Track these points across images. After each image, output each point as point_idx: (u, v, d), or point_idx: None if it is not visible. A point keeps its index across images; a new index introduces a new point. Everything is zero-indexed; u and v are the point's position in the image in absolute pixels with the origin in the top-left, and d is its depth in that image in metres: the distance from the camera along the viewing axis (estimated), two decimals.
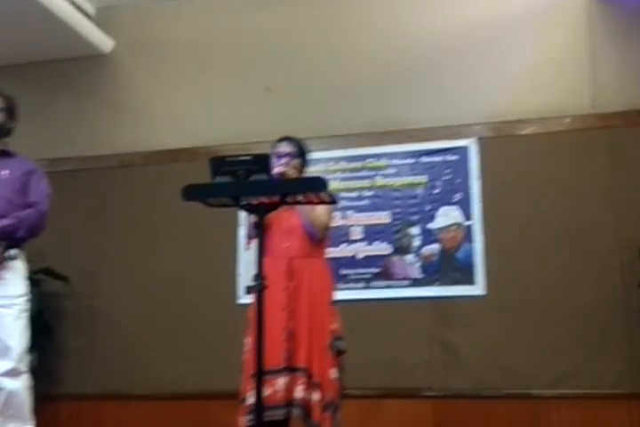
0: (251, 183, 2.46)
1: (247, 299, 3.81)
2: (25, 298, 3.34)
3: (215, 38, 4.96)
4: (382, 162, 4.50)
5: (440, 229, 4.32)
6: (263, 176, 2.46)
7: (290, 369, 3.02)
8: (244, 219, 4.44)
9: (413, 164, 4.45)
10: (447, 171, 4.38)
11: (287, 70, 4.79)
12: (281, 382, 2.99)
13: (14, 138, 3.54)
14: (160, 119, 4.94)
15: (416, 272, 4.29)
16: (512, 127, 4.35)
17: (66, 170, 4.80)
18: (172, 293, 4.57)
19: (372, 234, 4.40)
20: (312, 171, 3.44)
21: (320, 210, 3.17)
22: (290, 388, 3.00)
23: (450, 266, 4.25)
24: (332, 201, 2.74)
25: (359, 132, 4.55)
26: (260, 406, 2.42)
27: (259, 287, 2.43)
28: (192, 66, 4.98)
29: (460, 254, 4.25)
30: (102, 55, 5.13)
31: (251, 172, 2.45)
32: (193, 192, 2.52)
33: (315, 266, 3.21)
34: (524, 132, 4.32)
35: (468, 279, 4.20)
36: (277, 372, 2.99)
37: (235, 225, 4.53)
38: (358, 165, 4.54)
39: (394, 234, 4.38)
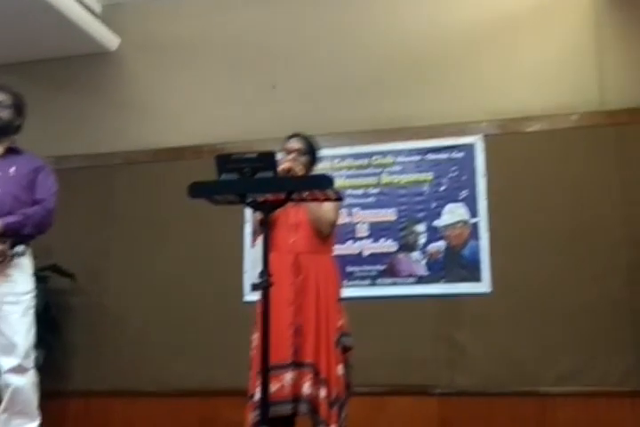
0: (256, 181, 2.47)
1: (253, 296, 3.83)
2: (31, 295, 3.36)
3: (220, 36, 4.95)
4: (388, 159, 4.50)
5: (446, 226, 4.31)
6: (269, 174, 2.46)
7: (297, 364, 3.02)
8: (249, 216, 4.45)
9: (419, 161, 4.45)
10: (453, 168, 4.38)
11: (292, 68, 4.79)
12: (288, 377, 3.00)
13: (19, 135, 3.56)
14: (165, 117, 4.94)
15: (422, 269, 4.29)
16: (518, 124, 4.34)
17: (71, 167, 4.80)
18: (179, 290, 4.57)
19: (377, 231, 4.40)
20: (318, 168, 3.44)
21: (327, 206, 3.17)
22: (297, 383, 3.01)
23: (455, 263, 4.24)
24: (338, 198, 2.74)
25: (365, 130, 4.54)
26: (265, 401, 2.43)
27: (264, 284, 2.43)
28: (197, 63, 4.98)
29: (465, 252, 4.25)
30: (108, 53, 5.14)
31: (256, 169, 2.45)
32: (199, 189, 2.52)
33: (321, 262, 3.22)
34: (530, 130, 4.31)
35: (473, 276, 4.19)
36: (284, 367, 3.00)
37: (240, 222, 4.53)
38: (364, 162, 4.53)
39: (399, 231, 4.37)
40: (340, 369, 3.07)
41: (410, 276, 4.30)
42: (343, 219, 4.22)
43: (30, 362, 3.27)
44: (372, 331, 4.01)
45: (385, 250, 4.37)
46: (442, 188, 4.37)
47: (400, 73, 4.59)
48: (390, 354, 4.11)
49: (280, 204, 2.55)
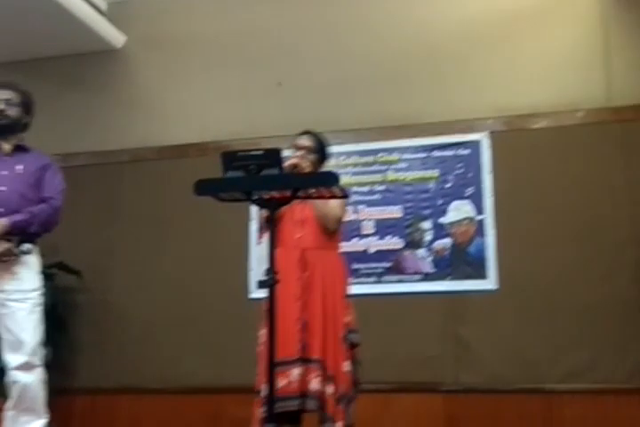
0: (262, 178, 2.46)
1: (259, 293, 3.83)
2: (38, 292, 3.36)
3: (226, 33, 4.95)
4: (394, 156, 4.49)
5: (452, 223, 4.31)
6: (275, 171, 2.46)
7: (304, 360, 3.03)
8: (255, 213, 4.45)
9: (425, 158, 4.44)
10: (459, 165, 4.37)
11: (298, 65, 4.79)
12: (295, 372, 3.01)
13: (26, 133, 3.56)
14: (171, 114, 4.95)
15: (428, 267, 4.29)
16: (524, 121, 4.33)
17: (77, 165, 4.81)
18: (184, 287, 4.58)
19: (383, 228, 4.40)
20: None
21: (333, 203, 3.17)
22: (304, 379, 3.02)
23: (461, 260, 4.24)
24: (344, 195, 2.74)
25: (370, 127, 4.54)
26: (272, 397, 2.43)
27: (270, 282, 2.44)
28: (203, 61, 4.98)
29: (471, 249, 4.24)
30: (114, 50, 5.15)
31: (262, 166, 2.45)
32: (205, 187, 2.52)
33: (328, 258, 3.22)
34: (536, 126, 4.30)
35: (479, 274, 4.19)
36: (291, 363, 3.01)
37: (246, 220, 4.53)
38: (370, 159, 4.53)
39: (405, 228, 4.37)
40: (346, 366, 3.08)
41: (416, 273, 4.30)
42: (349, 216, 4.21)
43: (38, 359, 3.27)
44: (378, 328, 4.01)
45: (391, 247, 4.36)
46: (448, 185, 4.36)
47: (406, 70, 4.59)
48: (396, 351, 4.11)
49: (286, 201, 2.55)
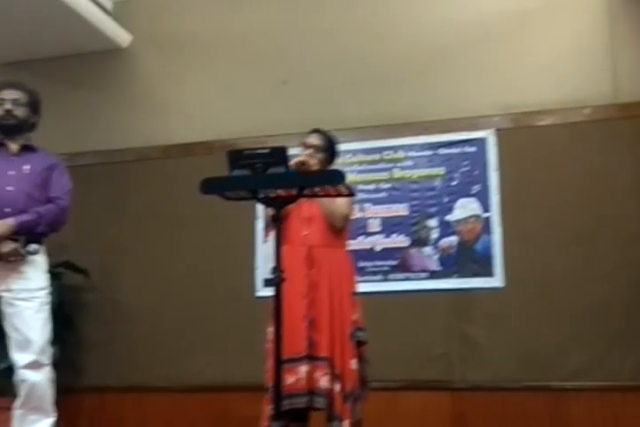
0: (268, 176, 2.47)
1: (265, 291, 3.83)
2: (46, 291, 3.37)
3: (231, 32, 4.95)
4: (400, 154, 4.49)
5: (458, 221, 4.30)
6: (281, 169, 2.46)
7: (311, 358, 3.03)
8: (261, 212, 4.45)
9: (431, 156, 4.43)
10: (465, 162, 4.36)
11: (303, 63, 4.78)
12: (303, 369, 3.01)
13: (33, 132, 3.58)
14: (177, 113, 4.96)
15: (434, 264, 4.29)
16: (531, 118, 4.31)
17: (83, 164, 4.82)
18: (191, 285, 4.59)
19: (389, 226, 4.40)
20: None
21: (340, 200, 3.17)
22: (311, 376, 3.02)
23: (468, 258, 4.23)
24: (350, 194, 2.75)
25: (376, 125, 4.53)
26: (278, 394, 2.44)
27: (276, 280, 2.44)
28: (208, 59, 4.98)
29: (478, 246, 4.23)
30: (120, 49, 5.15)
31: (268, 165, 2.46)
32: (211, 185, 2.52)
33: (335, 256, 3.22)
34: (543, 123, 4.29)
35: (486, 271, 4.18)
36: (298, 360, 3.01)
37: (252, 218, 4.53)
38: (376, 157, 4.53)
39: (412, 226, 4.37)
40: (353, 363, 3.08)
41: (422, 271, 4.30)
42: (355, 214, 4.21)
43: (46, 358, 3.29)
44: (385, 326, 4.00)
45: (397, 245, 4.36)
46: (454, 182, 4.36)
47: (411, 68, 4.58)
48: (403, 349, 4.11)
49: (292, 199, 2.55)
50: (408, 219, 4.38)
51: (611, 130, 4.15)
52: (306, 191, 2.54)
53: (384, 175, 4.48)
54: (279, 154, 2.49)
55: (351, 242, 3.51)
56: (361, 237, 4.38)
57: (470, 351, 4.10)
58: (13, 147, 3.47)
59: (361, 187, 4.41)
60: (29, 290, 3.30)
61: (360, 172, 4.51)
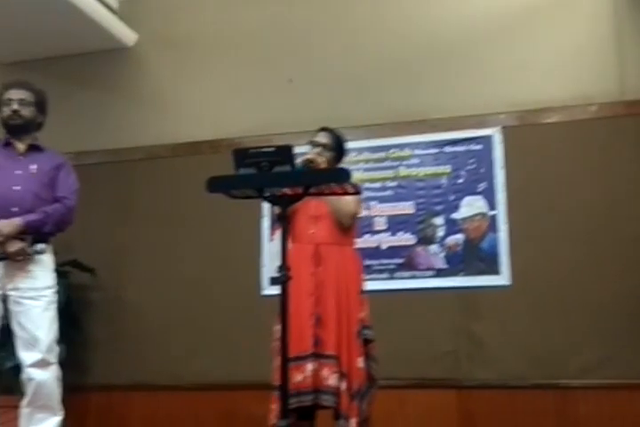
0: (274, 175, 2.47)
1: (271, 290, 3.83)
2: (52, 290, 3.38)
3: (237, 30, 4.96)
4: (406, 152, 4.49)
5: (464, 218, 4.30)
6: (287, 167, 2.46)
7: (316, 355, 3.03)
8: (267, 210, 4.46)
9: (437, 153, 4.43)
10: (471, 160, 4.36)
11: (309, 61, 4.78)
12: (309, 367, 3.01)
13: (40, 131, 3.58)
14: (184, 111, 4.96)
15: (440, 262, 4.28)
16: (537, 116, 4.30)
17: (91, 163, 4.84)
18: (197, 284, 4.60)
19: (395, 224, 4.39)
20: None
21: (348, 198, 3.16)
22: (317, 374, 3.02)
23: (474, 256, 4.23)
24: (356, 192, 2.74)
25: (382, 123, 4.53)
26: (285, 392, 2.44)
27: (282, 279, 2.44)
28: (215, 58, 4.99)
29: (484, 244, 4.23)
30: (126, 48, 5.16)
31: (274, 163, 2.45)
32: (217, 184, 2.52)
33: (343, 253, 3.22)
34: (548, 121, 4.28)
35: (492, 269, 4.17)
36: (305, 358, 3.01)
37: (258, 216, 4.54)
38: (382, 155, 4.52)
39: (418, 224, 4.36)
40: (360, 362, 3.08)
41: (428, 269, 4.29)
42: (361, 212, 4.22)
43: (53, 356, 3.30)
44: (391, 324, 4.00)
45: (403, 243, 4.36)
46: (460, 180, 4.35)
47: (416, 66, 4.57)
48: (409, 348, 4.10)
49: (298, 198, 2.55)
50: (414, 217, 4.38)
51: (617, 127, 4.14)
52: (312, 190, 2.54)
53: (390, 173, 4.48)
54: (285, 152, 2.48)
55: (357, 240, 3.51)
56: (367, 236, 4.37)
57: (477, 349, 4.09)
58: (20, 146, 3.48)
59: (367, 185, 4.41)
60: (36, 289, 3.31)
61: (366, 170, 4.51)
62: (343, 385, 3.02)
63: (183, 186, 4.71)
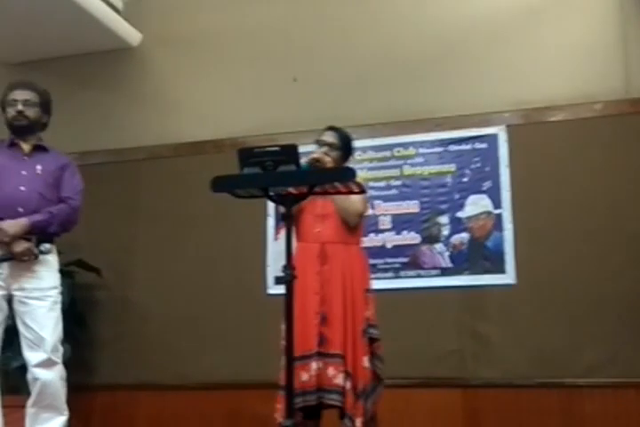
0: (279, 174, 2.47)
1: (277, 289, 3.83)
2: (57, 290, 3.39)
3: (241, 30, 4.95)
4: (410, 151, 4.48)
5: (469, 217, 4.29)
6: (291, 167, 2.46)
7: (321, 354, 3.03)
8: (272, 209, 4.46)
9: (442, 152, 4.42)
10: (476, 159, 4.35)
11: (313, 60, 4.78)
12: (314, 366, 3.01)
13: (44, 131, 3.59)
14: (187, 111, 4.96)
15: (445, 261, 4.27)
16: (542, 114, 4.29)
17: (94, 163, 4.84)
18: (203, 283, 4.60)
19: (400, 223, 4.39)
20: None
21: (354, 197, 3.16)
22: (322, 373, 3.02)
23: (479, 255, 4.22)
24: (361, 191, 2.74)
25: (386, 122, 4.52)
26: (290, 391, 2.44)
27: (287, 278, 2.44)
28: (219, 58, 4.99)
29: (489, 243, 4.22)
30: (130, 48, 5.17)
31: (279, 162, 2.45)
32: (222, 183, 2.52)
33: (349, 252, 3.22)
34: (553, 119, 4.27)
35: (497, 268, 4.17)
36: (310, 357, 3.01)
37: (263, 216, 4.54)
38: (386, 154, 4.52)
39: (422, 223, 4.36)
40: (365, 361, 3.07)
41: (433, 268, 4.29)
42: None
43: (58, 356, 3.30)
44: (396, 323, 3.99)
45: (408, 242, 4.35)
46: (465, 179, 4.34)
47: (421, 64, 4.56)
48: (414, 346, 4.10)
49: (303, 197, 2.55)
50: (419, 216, 4.37)
51: (622, 125, 4.12)
52: (316, 189, 2.54)
53: (395, 172, 4.47)
54: (289, 152, 2.48)
55: (363, 239, 3.50)
56: (372, 235, 4.37)
57: (482, 348, 4.08)
58: (25, 147, 3.49)
59: (372, 184, 4.40)
60: (42, 289, 3.32)
61: (371, 169, 4.51)
62: (348, 384, 3.01)
63: (187, 186, 4.71)
